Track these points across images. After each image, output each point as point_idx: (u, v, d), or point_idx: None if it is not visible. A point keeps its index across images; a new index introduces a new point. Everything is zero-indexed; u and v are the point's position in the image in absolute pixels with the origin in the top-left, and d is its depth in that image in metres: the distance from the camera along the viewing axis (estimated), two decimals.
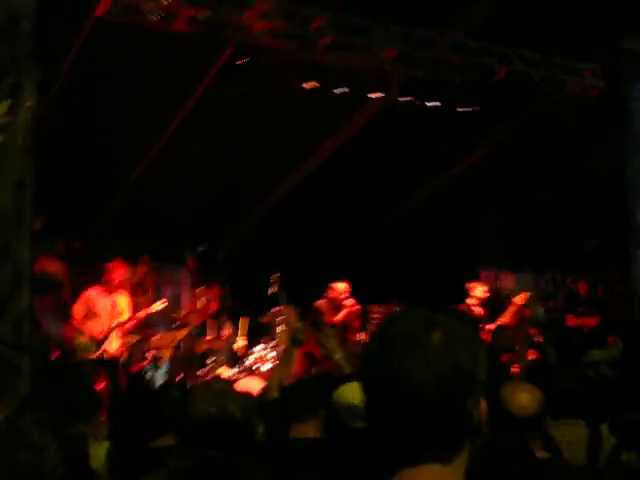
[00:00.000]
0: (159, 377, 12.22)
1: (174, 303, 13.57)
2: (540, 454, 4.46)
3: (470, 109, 10.79)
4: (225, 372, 11.82)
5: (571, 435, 4.92)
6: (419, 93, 10.56)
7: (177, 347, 12.48)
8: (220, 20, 9.07)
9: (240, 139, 11.37)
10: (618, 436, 5.01)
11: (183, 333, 12.46)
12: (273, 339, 12.31)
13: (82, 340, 10.81)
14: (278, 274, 12.03)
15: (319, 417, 4.65)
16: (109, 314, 11.01)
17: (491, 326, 11.65)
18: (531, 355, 11.37)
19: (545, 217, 14.16)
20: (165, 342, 12.12)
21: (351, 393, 4.54)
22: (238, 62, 9.47)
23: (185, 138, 11.24)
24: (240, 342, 12.37)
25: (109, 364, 10.82)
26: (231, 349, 12.37)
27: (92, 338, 10.82)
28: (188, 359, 12.31)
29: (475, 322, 11.34)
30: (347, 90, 10.11)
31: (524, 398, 4.56)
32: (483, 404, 1.90)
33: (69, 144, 10.96)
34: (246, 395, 5.05)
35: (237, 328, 12.55)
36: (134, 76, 10.09)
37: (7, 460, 2.78)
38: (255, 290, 12.52)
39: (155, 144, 11.64)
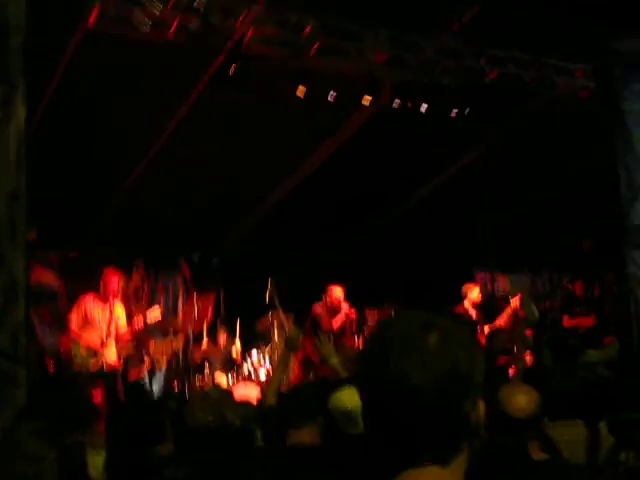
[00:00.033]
0: (156, 385, 12.22)
1: (169, 311, 13.58)
2: (539, 455, 4.47)
3: (462, 111, 10.79)
4: (222, 379, 11.82)
5: (570, 435, 4.92)
6: (410, 97, 10.56)
7: (173, 355, 12.47)
8: (211, 28, 9.08)
9: (234, 145, 11.38)
10: (616, 435, 5.02)
11: (179, 341, 12.46)
12: (269, 345, 12.32)
13: (79, 351, 10.80)
14: (272, 280, 12.03)
15: (316, 423, 4.64)
16: (106, 323, 11.01)
17: (487, 328, 11.67)
18: (527, 356, 11.40)
19: (540, 218, 14.19)
20: (161, 350, 12.12)
21: (347, 398, 4.54)
22: (230, 69, 9.46)
23: (179, 145, 11.24)
24: (237, 349, 12.37)
25: (107, 374, 10.82)
26: (227, 356, 12.37)
27: (89, 348, 10.81)
28: (185, 367, 12.30)
29: (472, 324, 11.36)
30: (339, 95, 10.11)
31: (521, 399, 4.57)
32: (481, 406, 1.90)
33: (61, 154, 10.95)
34: (244, 403, 5.06)
35: (232, 335, 12.56)
36: (126, 86, 10.09)
37: (5, 470, 2.78)
38: (250, 296, 12.51)
39: (149, 152, 11.63)
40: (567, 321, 13.06)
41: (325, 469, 4.29)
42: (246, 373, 11.94)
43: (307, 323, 11.70)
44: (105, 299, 11.07)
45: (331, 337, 11.29)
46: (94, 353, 10.81)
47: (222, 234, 14.21)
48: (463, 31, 10.39)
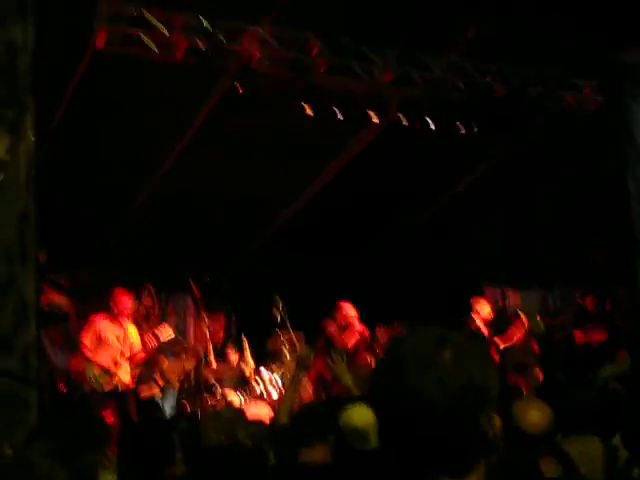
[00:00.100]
0: (168, 406, 12.21)
1: (180, 332, 13.57)
2: (551, 471, 4.44)
3: (470, 128, 10.80)
4: (234, 399, 11.80)
5: (586, 450, 4.89)
6: (418, 114, 10.58)
7: (185, 375, 12.45)
8: (219, 49, 9.12)
9: (243, 165, 11.38)
10: (630, 450, 4.98)
11: (190, 362, 12.45)
12: (280, 365, 12.30)
13: (93, 371, 10.80)
14: (282, 299, 12.02)
15: (328, 441, 4.63)
16: (119, 343, 11.00)
17: (500, 344, 11.65)
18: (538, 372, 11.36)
19: (550, 233, 14.15)
20: (173, 371, 12.11)
21: (358, 416, 4.53)
22: (238, 90, 9.49)
23: (187, 166, 11.25)
24: (248, 368, 12.35)
25: (120, 395, 10.81)
26: (239, 376, 12.35)
27: (103, 369, 10.81)
28: (196, 387, 12.28)
29: (485, 339, 11.34)
30: (347, 113, 10.13)
31: (535, 415, 4.55)
32: (497, 420, 1.89)
33: (71, 176, 10.98)
34: (257, 422, 5.05)
35: (243, 354, 12.54)
36: (134, 107, 10.12)
37: None
38: (261, 315, 12.50)
39: (157, 173, 11.66)
40: (579, 337, 13.01)
41: None
42: (258, 392, 11.91)
43: (319, 341, 11.68)
44: (117, 319, 11.06)
45: (344, 355, 11.27)
46: (108, 373, 10.81)
47: (232, 254, 14.21)
48: (469, 48, 10.42)
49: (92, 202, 11.60)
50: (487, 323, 11.77)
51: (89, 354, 10.90)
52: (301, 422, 4.88)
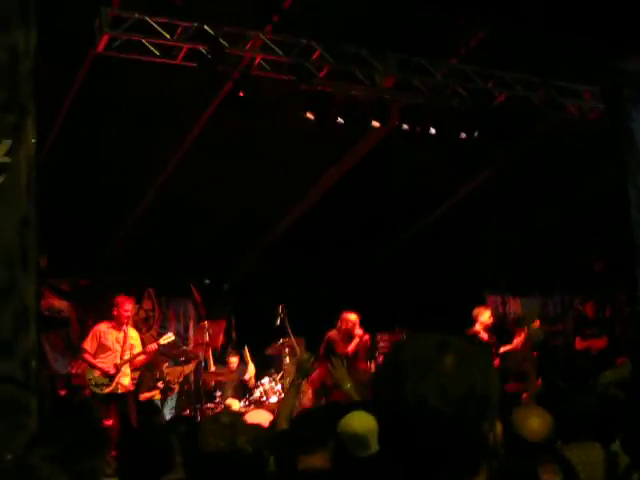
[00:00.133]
0: (167, 410, 12.21)
1: (181, 337, 13.58)
2: (555, 479, 4.43)
3: (471, 134, 10.79)
4: (233, 405, 11.79)
5: (587, 457, 4.88)
6: (419, 120, 10.57)
7: (185, 380, 12.45)
8: (220, 54, 9.12)
9: (244, 171, 11.39)
10: (630, 456, 4.98)
11: (190, 367, 12.45)
12: (280, 371, 12.30)
13: (94, 376, 10.80)
14: (283, 305, 12.02)
15: (327, 448, 4.61)
16: (121, 348, 11.01)
17: (500, 350, 11.64)
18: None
19: (550, 240, 14.15)
20: (173, 376, 12.10)
21: (357, 422, 4.51)
22: (239, 94, 9.49)
23: (188, 171, 11.25)
24: (249, 374, 12.35)
25: (120, 399, 10.81)
26: (239, 381, 12.35)
27: (104, 373, 10.81)
28: (196, 392, 12.28)
29: (486, 345, 11.33)
30: (348, 119, 10.13)
31: (535, 422, 4.54)
32: (498, 427, 1.89)
33: (71, 181, 10.99)
34: (256, 428, 5.03)
35: (244, 360, 12.53)
36: (135, 112, 10.13)
37: None
38: (261, 322, 12.50)
39: (158, 178, 11.66)
40: (579, 343, 13.01)
41: None
42: (258, 398, 11.91)
43: (321, 347, 11.67)
44: (119, 325, 11.07)
45: (344, 362, 11.26)
46: (109, 378, 10.81)
47: (233, 260, 14.21)
48: (471, 54, 10.43)
49: (93, 207, 11.61)
50: (487, 329, 11.75)
51: (90, 358, 10.90)
52: (301, 427, 4.87)
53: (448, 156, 11.67)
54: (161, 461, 4.41)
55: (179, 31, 9.01)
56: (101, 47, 8.71)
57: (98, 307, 12.85)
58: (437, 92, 10.63)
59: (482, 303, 13.89)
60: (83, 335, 11.97)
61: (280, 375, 12.23)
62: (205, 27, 9.07)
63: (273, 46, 9.53)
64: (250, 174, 11.52)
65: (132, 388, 11.21)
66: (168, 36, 8.96)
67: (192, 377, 12.53)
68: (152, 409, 11.70)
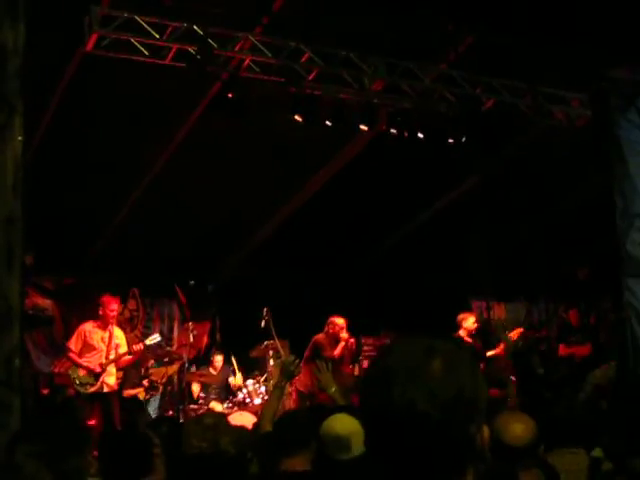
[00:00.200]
0: (151, 410, 12.19)
1: (165, 338, 13.55)
2: None
3: (458, 140, 10.81)
4: (217, 406, 11.78)
5: (571, 463, 4.90)
6: (407, 124, 10.58)
7: (168, 381, 12.43)
8: (209, 55, 9.12)
9: (231, 172, 11.38)
10: (613, 461, 5.00)
11: (174, 368, 12.43)
12: (264, 373, 12.29)
13: (79, 375, 10.77)
14: (268, 308, 12.01)
15: (310, 450, 4.61)
16: (106, 347, 10.98)
17: (486, 355, 11.68)
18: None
19: (536, 246, 14.18)
20: (156, 377, 12.08)
21: (341, 424, 4.51)
22: (227, 95, 9.49)
23: (175, 172, 11.24)
24: (234, 377, 12.35)
25: (104, 398, 10.78)
26: (223, 383, 12.34)
27: (90, 371, 10.78)
28: (179, 393, 12.26)
29: (473, 349, 11.36)
30: (336, 122, 10.14)
31: (518, 428, 4.55)
32: (485, 430, 1.89)
33: (58, 180, 10.96)
34: (239, 429, 5.02)
35: (228, 361, 12.53)
36: (123, 111, 10.12)
37: None
38: (246, 324, 12.49)
39: (144, 178, 11.65)
40: (563, 350, 13.05)
41: None
42: (241, 400, 11.90)
43: (307, 351, 11.67)
44: (104, 324, 11.04)
45: (330, 365, 11.26)
46: (94, 377, 10.78)
47: (218, 261, 14.20)
48: (460, 60, 10.44)
49: (79, 206, 11.58)
50: (471, 334, 11.78)
51: (75, 357, 10.87)
52: (284, 429, 4.87)
53: (435, 161, 11.68)
54: (141, 462, 4.39)
55: (168, 31, 9.00)
56: (90, 46, 8.70)
57: (82, 306, 12.81)
58: (425, 97, 10.65)
59: (467, 308, 13.94)
60: (67, 334, 11.94)
61: (264, 377, 12.23)
62: (195, 27, 9.06)
63: (262, 48, 9.53)
64: (237, 175, 11.51)
65: (117, 388, 11.19)
66: (157, 36, 8.95)
67: (176, 378, 12.51)
68: (136, 406, 11.68)
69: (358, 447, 4.30)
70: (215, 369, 12.49)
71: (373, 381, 1.89)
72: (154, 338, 11.59)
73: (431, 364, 1.83)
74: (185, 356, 12.39)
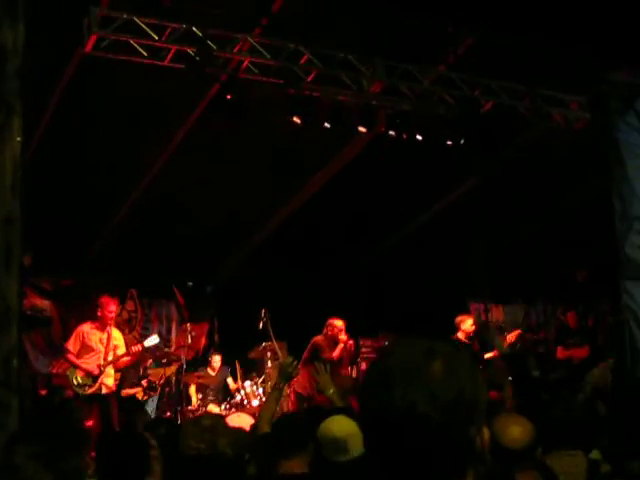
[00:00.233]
0: (149, 412, 12.18)
1: (163, 339, 13.55)
2: None
3: (457, 142, 10.81)
4: (214, 408, 11.78)
5: (569, 465, 4.90)
6: (406, 127, 10.58)
7: (166, 382, 12.42)
8: (208, 56, 9.12)
9: (229, 173, 11.38)
10: (612, 463, 5.00)
11: (172, 369, 12.42)
12: (262, 374, 12.29)
13: (77, 376, 10.76)
14: (266, 309, 12.01)
15: (308, 452, 4.61)
16: (104, 348, 10.97)
17: (484, 357, 11.68)
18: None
19: (534, 249, 14.19)
20: (154, 377, 12.08)
21: (338, 426, 4.51)
22: (226, 97, 9.48)
23: (173, 173, 11.24)
24: (232, 379, 12.36)
25: (103, 399, 10.78)
26: (221, 384, 12.34)
27: (88, 373, 10.77)
28: (177, 394, 12.25)
29: (472, 351, 11.37)
30: (335, 124, 10.14)
31: (516, 430, 4.54)
32: (485, 432, 1.89)
33: (57, 180, 10.95)
34: (237, 431, 5.02)
35: (226, 363, 12.54)
36: (122, 112, 10.11)
37: None
38: (244, 325, 12.49)
39: (143, 179, 11.64)
40: (561, 352, 13.05)
41: None
42: (239, 401, 11.89)
43: (305, 352, 11.67)
44: (103, 325, 11.03)
45: (328, 367, 11.26)
46: (93, 378, 10.77)
47: (216, 263, 14.19)
48: (458, 62, 10.44)
49: (78, 207, 11.57)
50: (469, 337, 11.78)
51: (73, 359, 10.86)
52: (282, 431, 4.87)
53: (434, 163, 11.68)
54: (138, 464, 4.39)
55: (167, 32, 8.99)
56: (89, 47, 8.69)
57: (80, 307, 12.81)
58: (424, 99, 10.64)
59: (465, 310, 13.95)
60: (65, 335, 11.94)
61: (262, 379, 12.22)
62: (193, 29, 9.06)
63: (261, 49, 9.53)
64: (236, 177, 11.50)
65: (116, 389, 11.18)
66: (156, 37, 8.95)
67: (173, 379, 12.51)
68: (135, 407, 11.67)
69: (356, 449, 4.30)
70: (213, 369, 12.50)
71: (373, 383, 1.88)
72: (153, 340, 11.58)
73: (431, 366, 1.83)
74: (183, 357, 12.39)
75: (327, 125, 10.11)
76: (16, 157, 5.61)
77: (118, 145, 10.71)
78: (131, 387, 11.86)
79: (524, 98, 11.01)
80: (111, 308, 11.12)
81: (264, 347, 12.26)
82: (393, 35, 9.69)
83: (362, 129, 10.43)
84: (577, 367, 12.32)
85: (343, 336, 11.76)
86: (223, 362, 12.61)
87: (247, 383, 12.12)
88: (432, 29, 9.68)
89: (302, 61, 9.80)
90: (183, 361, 12.32)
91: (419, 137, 10.59)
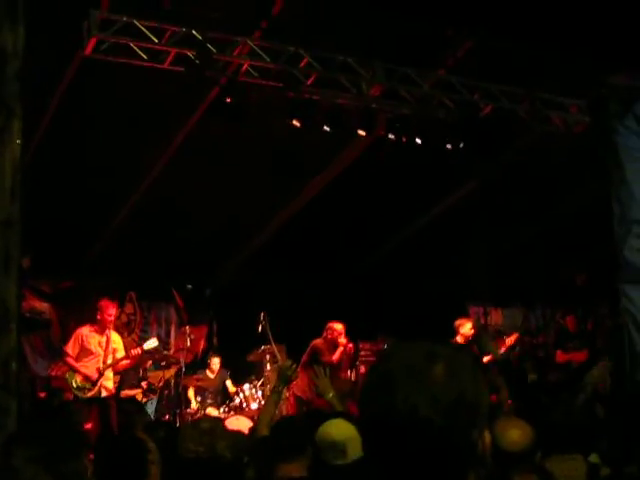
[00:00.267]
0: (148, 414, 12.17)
1: (162, 342, 13.55)
2: None
3: (456, 145, 10.82)
4: (213, 411, 11.77)
5: (569, 469, 4.89)
6: (405, 130, 10.59)
7: (165, 385, 12.42)
8: (207, 59, 9.12)
9: (229, 177, 11.37)
10: (611, 467, 5.00)
11: (171, 372, 12.42)
12: (261, 377, 12.29)
13: (76, 379, 10.75)
14: (265, 312, 12.00)
15: (306, 456, 4.60)
16: (104, 352, 10.96)
17: (483, 361, 11.68)
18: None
19: (533, 252, 14.19)
20: (154, 380, 12.08)
21: (337, 429, 4.51)
22: (226, 100, 9.49)
23: (173, 176, 11.24)
24: (230, 380, 12.36)
25: (103, 402, 10.77)
26: (220, 387, 12.34)
27: (87, 377, 10.76)
28: (176, 397, 12.25)
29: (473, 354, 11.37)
30: (334, 127, 10.14)
31: (515, 433, 4.54)
32: (487, 436, 1.89)
33: (56, 183, 10.96)
34: (236, 434, 5.01)
35: (225, 366, 12.53)
36: (121, 115, 10.12)
37: None
38: (243, 328, 12.49)
39: (143, 182, 11.64)
40: (560, 356, 13.04)
41: None
42: (238, 404, 11.89)
43: (305, 356, 11.67)
44: (102, 329, 11.02)
45: (327, 371, 11.26)
46: (93, 382, 10.76)
47: (216, 266, 14.19)
48: (458, 66, 10.45)
49: (77, 209, 11.57)
50: (468, 340, 11.77)
51: (72, 362, 10.85)
52: (280, 435, 4.86)
53: (433, 166, 11.68)
54: (135, 469, 4.39)
55: (167, 35, 8.99)
56: (89, 50, 8.69)
57: (79, 309, 12.81)
58: (424, 103, 10.65)
59: (464, 313, 13.93)
60: (64, 337, 11.93)
61: (261, 382, 12.22)
62: (193, 32, 9.06)
63: (261, 52, 9.53)
64: (235, 180, 11.50)
65: (115, 391, 11.18)
66: (156, 40, 8.95)
67: (172, 382, 12.50)
68: (134, 408, 11.66)
69: (354, 453, 4.30)
70: (212, 371, 12.49)
71: (374, 386, 1.88)
72: (152, 343, 11.57)
73: (433, 369, 1.83)
74: (182, 360, 12.39)
75: (326, 128, 10.11)
76: (16, 160, 5.62)
77: (118, 148, 10.71)
78: (130, 388, 11.86)
79: (523, 102, 11.02)
80: (110, 312, 11.11)
81: (263, 350, 12.26)
82: (393, 38, 9.70)
83: (361, 132, 10.44)
84: (576, 370, 12.32)
85: (343, 339, 11.75)
86: (222, 365, 12.60)
87: (246, 386, 12.11)
88: (431, 32, 9.69)
89: (302, 64, 9.80)
90: (182, 364, 12.32)
91: (418, 140, 10.60)
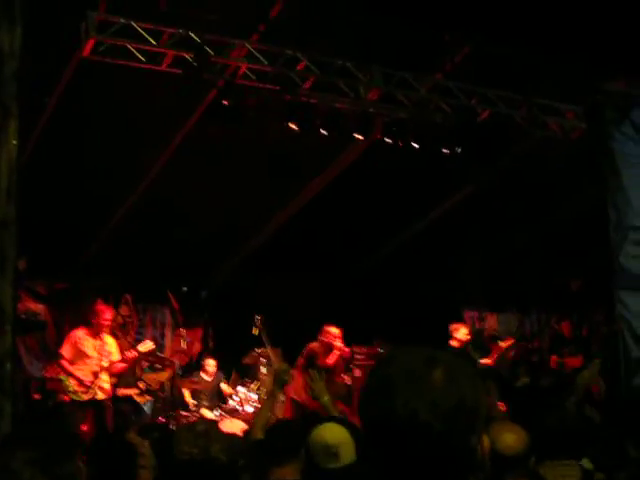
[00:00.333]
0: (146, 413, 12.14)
1: (157, 344, 13.52)
2: None
3: (453, 151, 10.83)
4: (208, 414, 11.75)
5: (564, 475, 4.89)
6: (402, 134, 10.60)
7: (160, 387, 12.39)
8: (205, 61, 9.12)
9: (226, 179, 11.37)
10: (605, 473, 5.00)
11: (166, 374, 12.39)
12: (257, 380, 12.27)
13: (71, 382, 10.72)
14: (261, 315, 11.99)
15: (300, 459, 4.60)
16: (98, 355, 10.93)
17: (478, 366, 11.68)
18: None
19: (529, 258, 14.19)
20: (149, 382, 12.05)
21: (330, 433, 4.50)
22: (223, 102, 9.49)
23: (169, 178, 11.23)
24: (225, 382, 12.33)
25: (99, 404, 10.75)
26: (215, 389, 12.31)
27: (81, 380, 10.73)
28: (171, 400, 12.22)
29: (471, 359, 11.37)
30: (332, 130, 10.14)
31: (509, 438, 4.54)
32: (486, 440, 1.89)
33: (53, 184, 10.94)
34: (231, 437, 5.01)
35: (221, 368, 12.51)
36: (118, 116, 10.11)
37: None
38: (238, 330, 12.48)
39: (140, 184, 11.63)
40: (555, 361, 13.05)
41: None
42: (233, 407, 11.87)
43: (300, 359, 11.66)
44: (96, 332, 10.99)
45: (323, 374, 11.24)
46: (88, 385, 10.73)
47: (211, 268, 14.18)
48: (456, 71, 10.47)
49: (73, 210, 11.55)
50: (463, 345, 11.77)
51: (67, 365, 10.82)
52: (275, 438, 4.86)
53: (430, 171, 11.69)
54: (125, 473, 4.39)
55: (165, 37, 9.00)
56: (87, 51, 8.69)
57: (75, 311, 12.78)
58: (421, 107, 10.66)
59: (459, 318, 13.94)
60: (59, 339, 11.88)
61: (256, 385, 12.20)
62: (191, 34, 9.07)
63: (258, 55, 9.54)
64: (233, 182, 11.49)
65: (110, 394, 11.15)
66: (154, 42, 8.95)
67: (168, 384, 12.47)
68: (131, 409, 11.63)
69: (347, 456, 4.29)
70: (207, 374, 12.45)
71: (374, 391, 1.88)
72: (148, 345, 11.55)
73: (432, 374, 1.83)
74: (177, 362, 12.37)
75: (323, 132, 10.12)
76: (12, 160, 5.61)
77: (115, 149, 10.69)
78: (126, 387, 11.82)
79: (520, 107, 11.03)
80: (106, 316, 11.09)
81: (258, 353, 12.24)
82: (390, 43, 9.71)
83: (359, 136, 10.44)
84: (568, 375, 12.33)
85: (338, 343, 11.75)
86: (218, 367, 12.57)
87: (241, 389, 12.09)
88: (429, 37, 9.71)
89: (299, 67, 9.82)
90: (177, 366, 12.29)
91: (415, 145, 10.61)
